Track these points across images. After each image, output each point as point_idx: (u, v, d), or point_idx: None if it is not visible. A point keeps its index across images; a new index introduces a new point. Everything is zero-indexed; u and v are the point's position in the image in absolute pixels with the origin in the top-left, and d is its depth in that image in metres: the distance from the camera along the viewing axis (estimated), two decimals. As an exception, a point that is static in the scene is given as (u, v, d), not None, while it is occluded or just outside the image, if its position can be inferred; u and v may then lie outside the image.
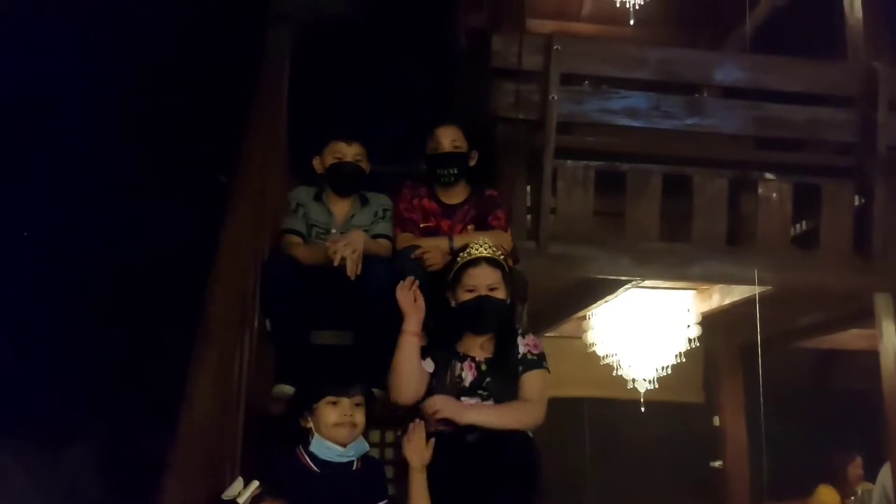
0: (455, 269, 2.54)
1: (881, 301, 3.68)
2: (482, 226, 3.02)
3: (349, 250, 2.72)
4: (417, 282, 2.49)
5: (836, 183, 3.70)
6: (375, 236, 2.98)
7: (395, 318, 2.60)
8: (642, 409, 4.93)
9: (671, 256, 3.61)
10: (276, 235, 2.98)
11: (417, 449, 2.21)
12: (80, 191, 3.97)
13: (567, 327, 4.89)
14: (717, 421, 5.30)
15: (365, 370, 2.56)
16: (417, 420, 2.26)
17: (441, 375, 2.43)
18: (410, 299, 2.44)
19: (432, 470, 2.23)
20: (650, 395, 4.91)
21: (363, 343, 2.79)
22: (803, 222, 3.96)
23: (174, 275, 3.82)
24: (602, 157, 3.61)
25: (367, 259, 2.79)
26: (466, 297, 2.49)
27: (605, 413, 5.33)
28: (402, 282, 2.47)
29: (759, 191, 3.65)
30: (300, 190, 3.06)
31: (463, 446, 2.29)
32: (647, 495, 5.13)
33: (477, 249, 2.54)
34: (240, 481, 1.97)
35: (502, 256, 2.58)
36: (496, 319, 2.49)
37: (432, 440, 2.23)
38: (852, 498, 4.31)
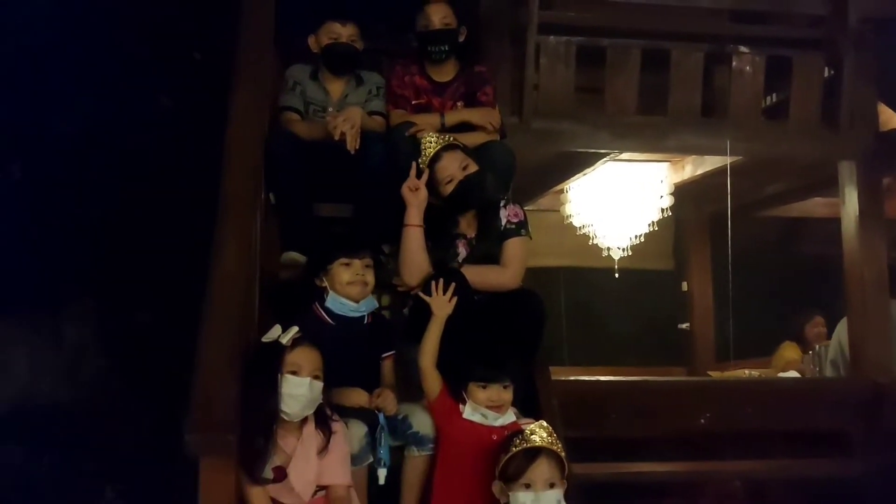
0: (428, 175, 2.69)
1: (845, 168, 3.89)
2: (471, 102, 3.15)
3: (348, 125, 2.84)
4: (419, 172, 2.67)
5: (807, 55, 3.83)
6: (370, 113, 3.09)
7: (391, 191, 2.80)
8: (616, 276, 5.25)
9: (648, 129, 3.77)
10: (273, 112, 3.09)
11: (442, 301, 2.41)
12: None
13: (544, 201, 5.11)
14: (685, 286, 5.65)
15: (365, 239, 2.75)
16: (441, 279, 2.44)
17: (439, 255, 2.65)
18: (411, 191, 2.62)
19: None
20: (623, 263, 5.22)
21: (361, 215, 2.97)
22: (774, 94, 4.12)
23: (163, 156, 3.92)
24: (583, 32, 3.69)
25: (363, 135, 2.92)
26: (450, 188, 2.67)
27: (580, 281, 5.63)
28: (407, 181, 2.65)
29: (734, 64, 3.78)
30: (296, 68, 3.15)
31: (469, 303, 2.50)
32: (619, 355, 5.50)
33: (430, 146, 2.71)
34: (277, 328, 2.20)
35: (451, 138, 2.76)
36: (481, 192, 2.68)
37: (455, 297, 2.42)
38: (810, 352, 4.69)
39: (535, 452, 2.09)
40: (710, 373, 5.06)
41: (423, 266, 2.60)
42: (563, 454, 2.13)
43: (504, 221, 2.69)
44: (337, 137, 2.83)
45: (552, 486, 2.07)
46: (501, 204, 2.72)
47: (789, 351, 5.09)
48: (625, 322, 5.64)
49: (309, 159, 2.90)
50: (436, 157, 2.68)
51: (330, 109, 3.09)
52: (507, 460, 2.10)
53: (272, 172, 2.84)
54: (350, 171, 2.91)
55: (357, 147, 2.85)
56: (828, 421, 3.75)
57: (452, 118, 3.08)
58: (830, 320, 4.74)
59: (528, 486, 2.07)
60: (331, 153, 2.90)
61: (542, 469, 2.07)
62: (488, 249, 2.66)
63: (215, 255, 2.25)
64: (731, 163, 3.97)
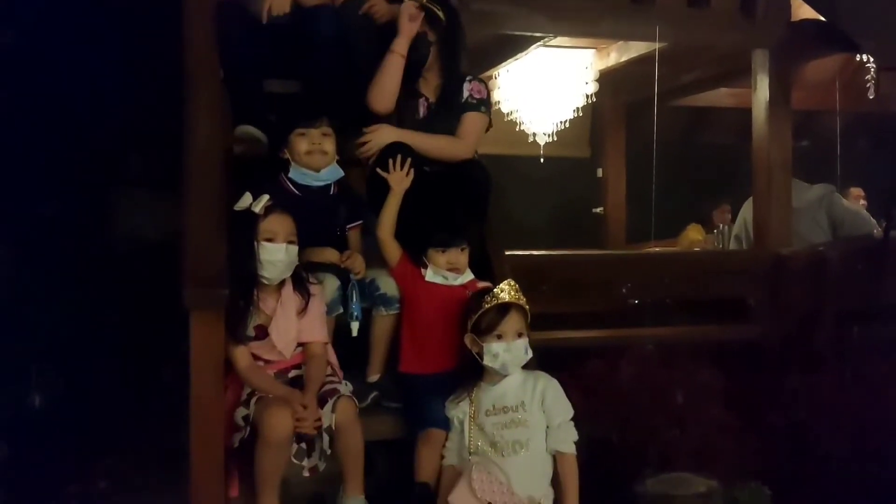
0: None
1: (759, 56, 4.16)
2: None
3: None
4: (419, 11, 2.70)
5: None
6: None
7: (342, 68, 2.83)
8: (539, 162, 5.45)
9: (582, 14, 3.91)
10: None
11: (400, 176, 2.52)
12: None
13: (473, 87, 5.18)
14: (600, 173, 5.93)
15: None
16: (399, 155, 2.53)
17: (402, 105, 2.73)
18: (409, 21, 2.66)
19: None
20: (543, 151, 5.41)
21: (312, 91, 2.98)
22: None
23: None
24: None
25: (315, 9, 2.91)
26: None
27: (503, 168, 5.79)
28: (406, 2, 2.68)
29: (661, -49, 3.93)
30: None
31: (423, 175, 2.61)
32: (538, 238, 5.76)
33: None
34: (248, 195, 2.26)
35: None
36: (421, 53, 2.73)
37: (412, 170, 2.53)
38: (715, 231, 5.08)
39: (506, 307, 2.26)
40: (621, 253, 5.37)
41: (392, 97, 2.69)
42: (527, 308, 2.32)
43: (466, 95, 2.77)
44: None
45: (520, 335, 2.26)
46: (468, 79, 2.79)
47: (693, 232, 5.49)
48: (544, 207, 5.88)
49: (257, 32, 2.84)
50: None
51: None
52: (479, 315, 2.27)
53: (222, 44, 2.74)
54: (299, 45, 2.91)
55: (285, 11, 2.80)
56: (733, 290, 4.13)
57: None
58: (734, 205, 5.12)
59: (499, 337, 2.24)
60: (280, 26, 2.87)
61: (512, 321, 2.25)
62: (445, 117, 2.75)
63: (188, 125, 2.27)
64: (652, 51, 4.16)
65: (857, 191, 4.83)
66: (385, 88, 2.69)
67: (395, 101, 2.71)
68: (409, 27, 2.69)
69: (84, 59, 3.58)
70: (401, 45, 2.68)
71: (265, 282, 2.28)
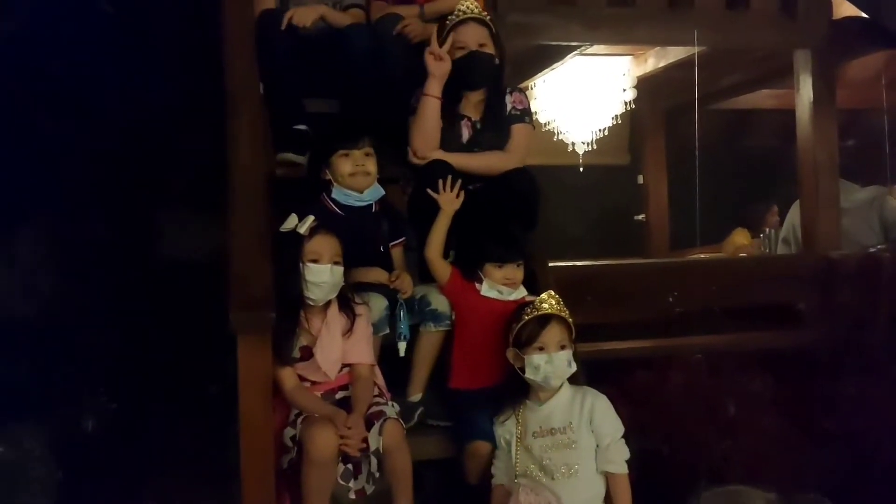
0: (446, 30, 2.72)
1: (801, 57, 4.07)
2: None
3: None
4: (442, 41, 2.66)
5: (766, -55, 3.95)
6: (347, 7, 3.07)
7: (379, 86, 2.83)
8: (578, 171, 5.41)
9: (618, 21, 3.86)
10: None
11: (450, 197, 2.51)
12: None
13: (510, 98, 5.17)
14: (640, 179, 5.86)
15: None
16: (450, 176, 2.52)
17: (445, 133, 2.69)
18: (435, 60, 2.62)
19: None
20: (583, 160, 5.37)
21: (350, 110, 3.00)
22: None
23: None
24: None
25: (348, 28, 2.92)
26: (458, 54, 2.68)
27: (543, 178, 5.75)
28: (428, 46, 2.65)
29: (697, -45, 3.87)
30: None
31: (468, 194, 2.59)
32: (581, 248, 5.72)
33: (464, 9, 2.71)
34: (293, 217, 2.27)
35: (489, 17, 2.78)
36: (487, 73, 2.70)
37: (462, 191, 2.52)
38: (761, 236, 4.98)
39: (546, 318, 2.23)
40: (666, 261, 5.31)
41: (435, 137, 2.65)
42: (570, 320, 2.29)
43: (510, 107, 2.75)
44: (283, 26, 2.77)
45: (563, 347, 2.22)
46: (507, 91, 2.77)
47: (739, 236, 5.39)
48: (584, 216, 5.84)
49: (296, 46, 2.86)
50: (462, 22, 2.69)
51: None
52: (520, 327, 2.25)
53: (262, 55, 2.75)
54: (335, 64, 2.91)
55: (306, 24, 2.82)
56: (783, 295, 4.03)
57: (432, 9, 3.08)
58: (781, 208, 5.01)
59: (541, 349, 2.21)
60: (315, 44, 2.89)
61: (553, 333, 2.22)
62: (492, 134, 2.72)
63: (230, 148, 2.29)
64: (691, 55, 4.11)
65: (899, 188, 4.72)
66: (426, 134, 2.64)
67: (439, 138, 2.67)
68: (435, 66, 2.63)
69: (128, 82, 3.65)
70: (433, 88, 2.63)
71: (311, 303, 2.29)
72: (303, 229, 2.26)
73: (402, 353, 2.42)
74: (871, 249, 4.02)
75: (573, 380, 2.27)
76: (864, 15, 4.08)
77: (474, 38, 2.68)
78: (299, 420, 2.21)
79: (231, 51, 2.49)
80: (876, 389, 3.44)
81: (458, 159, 2.64)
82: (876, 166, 4.61)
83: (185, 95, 3.59)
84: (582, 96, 4.87)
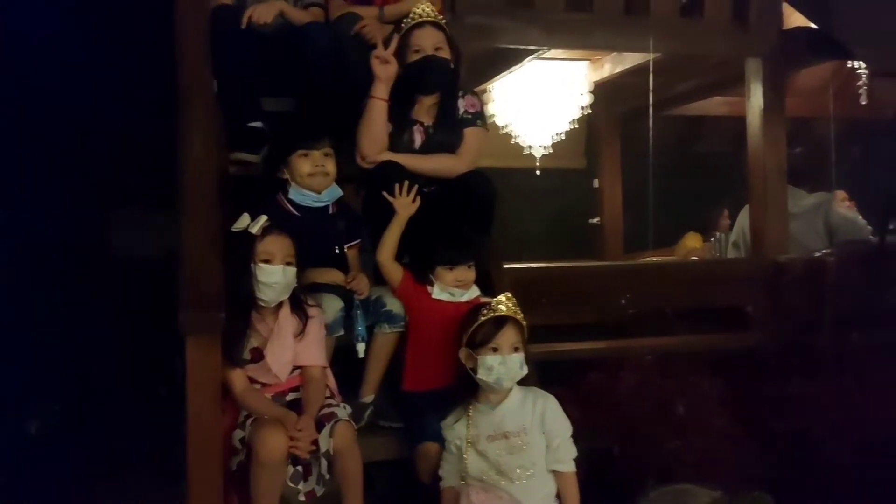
0: (402, 32, 2.72)
1: (752, 65, 4.16)
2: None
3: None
4: (387, 42, 2.66)
5: (719, -46, 4.03)
6: (308, 5, 3.05)
7: (336, 85, 2.82)
8: (533, 175, 5.45)
9: (575, 26, 3.91)
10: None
11: (406, 202, 2.51)
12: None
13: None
14: (596, 183, 5.93)
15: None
16: (407, 181, 2.52)
17: (396, 138, 2.69)
18: (381, 63, 2.61)
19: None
20: (539, 163, 5.41)
21: (308, 109, 2.97)
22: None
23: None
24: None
25: (307, 26, 2.91)
26: (414, 57, 2.68)
27: (500, 181, 5.78)
28: (375, 50, 2.64)
29: (652, -38, 3.93)
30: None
31: (422, 196, 2.58)
32: (536, 250, 5.76)
33: (420, 13, 2.71)
34: (245, 216, 2.25)
35: (444, 21, 2.78)
36: (442, 77, 2.70)
37: (419, 197, 2.52)
38: (712, 240, 5.07)
39: (503, 320, 2.23)
40: (619, 263, 5.37)
41: (383, 140, 2.64)
42: (524, 323, 2.31)
43: (462, 111, 2.75)
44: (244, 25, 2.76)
45: (516, 349, 2.23)
46: (460, 94, 2.77)
47: (691, 240, 5.47)
48: (540, 218, 5.88)
49: (251, 43, 2.83)
50: (419, 25, 2.68)
51: None
52: (476, 328, 2.25)
53: (217, 52, 2.71)
54: (292, 63, 2.89)
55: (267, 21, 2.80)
56: (732, 298, 4.12)
57: (392, 11, 3.09)
58: (731, 213, 5.11)
59: (495, 350, 2.21)
60: (272, 42, 2.86)
61: (508, 335, 2.22)
62: (445, 138, 2.72)
63: (182, 144, 2.26)
64: (646, 61, 4.17)
65: (841, 193, 4.85)
66: (373, 136, 2.63)
67: (387, 141, 2.66)
68: (381, 69, 2.62)
69: (77, 76, 3.58)
70: (379, 91, 2.62)
71: (262, 304, 2.27)
72: (255, 229, 2.24)
73: (361, 355, 2.42)
74: (817, 254, 4.13)
75: (522, 381, 2.28)
76: (814, 26, 4.19)
77: (430, 41, 2.68)
78: (249, 422, 2.19)
79: (184, 45, 2.45)
80: (820, 390, 3.52)
81: (408, 160, 2.64)
82: (822, 173, 4.74)
83: (136, 90, 3.55)
84: (539, 100, 4.90)
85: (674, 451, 3.12)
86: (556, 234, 6.03)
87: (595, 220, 5.93)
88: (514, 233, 5.84)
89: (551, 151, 5.28)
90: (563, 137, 5.22)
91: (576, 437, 2.28)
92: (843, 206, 4.67)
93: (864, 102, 4.33)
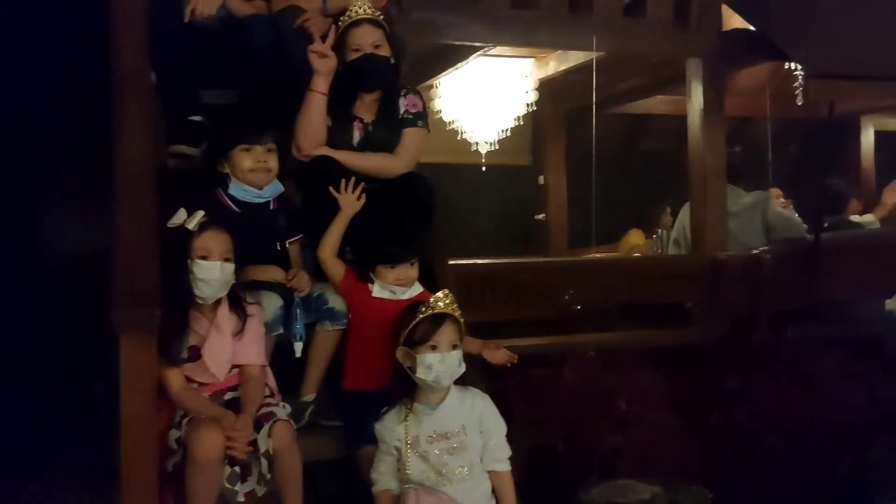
0: (339, 31, 2.67)
1: (692, 65, 4.23)
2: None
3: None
4: (327, 41, 2.62)
5: (661, -45, 4.09)
6: None
7: (278, 79, 2.78)
8: (480, 171, 5.46)
9: (520, 23, 3.92)
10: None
11: (351, 199, 2.49)
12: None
13: (413, 96, 5.17)
14: (541, 180, 5.97)
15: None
16: (353, 178, 2.50)
17: (335, 133, 2.65)
18: (319, 58, 2.57)
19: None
20: (485, 160, 5.42)
21: (247, 103, 2.92)
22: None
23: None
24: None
25: (249, 18, 2.86)
26: (353, 56, 2.64)
27: (446, 177, 5.78)
28: (313, 44, 2.59)
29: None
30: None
31: (368, 194, 2.55)
32: (482, 246, 5.77)
33: (357, 11, 2.67)
34: (182, 212, 2.19)
35: (382, 17, 2.74)
36: (382, 76, 2.67)
37: (364, 194, 2.49)
38: (654, 236, 5.15)
39: (441, 317, 2.18)
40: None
41: (320, 134, 2.60)
42: (462, 320, 2.29)
43: (403, 110, 2.71)
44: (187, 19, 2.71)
45: (455, 347, 2.18)
46: (402, 93, 2.74)
47: (634, 237, 5.56)
48: (486, 215, 5.89)
49: (192, 35, 2.77)
50: (356, 23, 2.64)
51: None
52: (413, 326, 2.19)
53: (156, 43, 2.65)
54: (233, 55, 2.85)
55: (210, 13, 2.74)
56: (673, 294, 4.20)
57: (336, 3, 3.05)
58: (673, 210, 5.19)
59: (434, 348, 2.16)
60: (213, 34, 2.80)
61: (447, 332, 2.17)
62: (384, 136, 2.69)
63: (116, 137, 2.20)
64: (590, 60, 4.21)
65: (776, 191, 4.98)
66: (311, 130, 2.59)
67: (325, 136, 2.62)
68: (320, 63, 2.58)
69: (8, 66, 3.46)
70: (318, 84, 2.57)
71: (200, 301, 2.22)
72: (192, 225, 2.18)
73: (298, 354, 2.38)
74: (755, 251, 4.23)
75: (458, 380, 2.26)
76: (752, 27, 4.28)
77: (369, 40, 2.65)
78: (185, 422, 2.14)
79: (119, 34, 2.37)
80: (757, 384, 3.60)
81: (344, 157, 2.61)
82: (759, 172, 4.85)
83: (70, 80, 3.44)
84: (485, 97, 4.91)
85: (616, 447, 3.16)
86: (502, 230, 6.06)
87: (540, 217, 5.97)
88: (459, 229, 5.85)
89: (497, 148, 5.29)
90: (509, 134, 5.24)
91: (520, 434, 2.28)
92: (780, 205, 4.80)
93: (800, 103, 4.43)
